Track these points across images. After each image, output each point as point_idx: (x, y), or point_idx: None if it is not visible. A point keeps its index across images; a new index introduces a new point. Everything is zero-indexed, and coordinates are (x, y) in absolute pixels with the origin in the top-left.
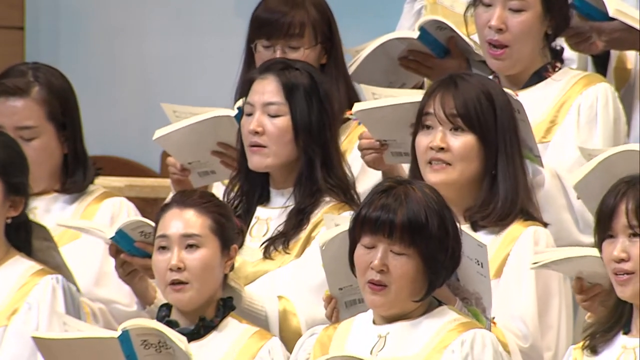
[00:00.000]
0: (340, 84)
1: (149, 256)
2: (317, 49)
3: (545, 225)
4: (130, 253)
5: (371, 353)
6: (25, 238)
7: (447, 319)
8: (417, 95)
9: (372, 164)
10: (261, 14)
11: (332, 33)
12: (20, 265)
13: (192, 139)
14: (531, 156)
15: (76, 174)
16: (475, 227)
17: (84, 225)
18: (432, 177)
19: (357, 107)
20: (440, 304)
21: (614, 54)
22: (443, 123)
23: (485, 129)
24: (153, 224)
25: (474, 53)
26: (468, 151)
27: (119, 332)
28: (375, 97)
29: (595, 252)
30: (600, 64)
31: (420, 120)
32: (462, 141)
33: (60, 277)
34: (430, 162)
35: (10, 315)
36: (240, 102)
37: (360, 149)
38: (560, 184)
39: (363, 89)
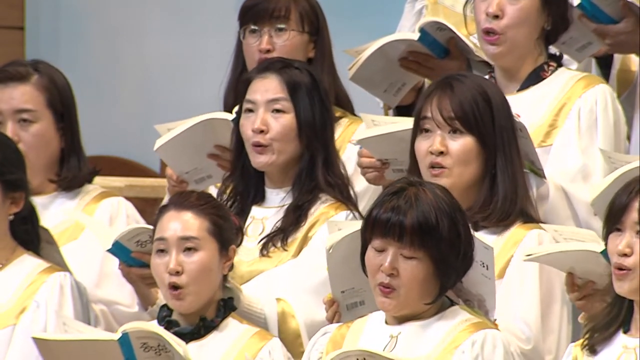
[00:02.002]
0: (327, 80)
1: (147, 265)
2: (305, 38)
3: (540, 223)
4: (128, 264)
5: None
6: (32, 230)
7: (458, 319)
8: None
9: (372, 182)
10: (248, 2)
11: (320, 27)
12: (28, 264)
13: (189, 144)
14: (534, 169)
15: (71, 164)
16: (476, 228)
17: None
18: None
19: (359, 135)
20: (452, 303)
21: (618, 56)
22: (441, 126)
23: (484, 130)
24: (149, 227)
25: (474, 53)
26: (467, 153)
27: (118, 335)
28: (375, 124)
29: (591, 246)
30: (604, 66)
31: (418, 124)
32: (461, 144)
33: (68, 274)
34: (431, 167)
35: (19, 314)
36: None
37: (361, 167)
38: (564, 195)
39: (362, 117)
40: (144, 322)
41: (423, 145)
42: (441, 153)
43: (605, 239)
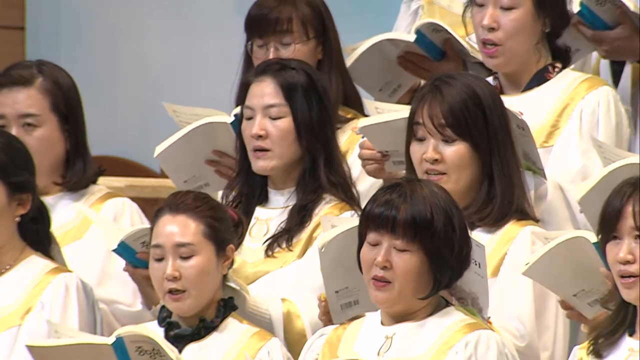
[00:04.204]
0: (335, 79)
1: None
2: (310, 45)
3: (537, 221)
4: (133, 264)
5: (378, 354)
6: (43, 231)
7: (453, 319)
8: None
9: (373, 174)
10: (252, 11)
11: (326, 28)
12: (36, 264)
13: (188, 150)
14: (534, 168)
15: (76, 166)
16: (471, 227)
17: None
18: None
19: (362, 123)
20: (448, 304)
21: None
22: (433, 134)
23: (476, 135)
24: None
25: (470, 55)
26: (461, 160)
27: (112, 339)
28: (378, 112)
29: (585, 233)
30: (617, 62)
31: (411, 129)
32: (454, 150)
33: (74, 274)
34: (427, 173)
35: (24, 314)
36: (237, 109)
37: (362, 158)
38: (563, 196)
39: (366, 103)
40: (138, 325)
41: (417, 151)
42: (435, 160)
43: (603, 247)
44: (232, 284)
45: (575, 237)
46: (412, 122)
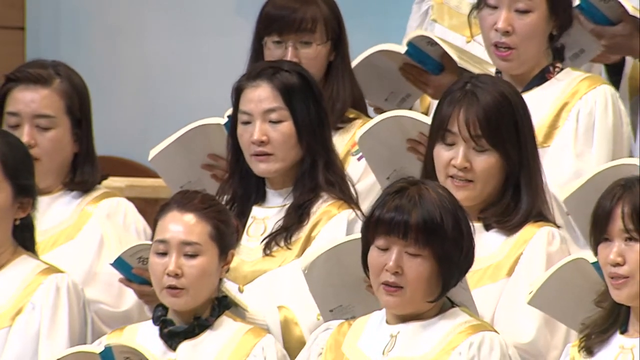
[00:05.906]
0: (346, 82)
1: (146, 282)
2: (328, 46)
3: (557, 226)
4: (129, 279)
5: (383, 352)
6: (31, 237)
7: (458, 320)
8: (412, 112)
9: None
10: (271, 10)
11: (341, 30)
12: (27, 265)
13: (183, 154)
14: None
15: (85, 170)
16: (487, 228)
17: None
18: (454, 192)
19: (359, 132)
20: (453, 305)
21: (629, 62)
22: (467, 141)
23: (509, 146)
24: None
25: (469, 70)
26: (490, 169)
27: (101, 348)
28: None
29: (583, 254)
30: (614, 73)
31: (440, 133)
32: (484, 160)
33: (65, 275)
34: (451, 177)
35: (15, 315)
36: (230, 111)
37: None
38: (557, 203)
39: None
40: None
41: (445, 155)
42: (465, 168)
43: (594, 249)
44: (229, 292)
45: (574, 260)
46: (441, 126)
